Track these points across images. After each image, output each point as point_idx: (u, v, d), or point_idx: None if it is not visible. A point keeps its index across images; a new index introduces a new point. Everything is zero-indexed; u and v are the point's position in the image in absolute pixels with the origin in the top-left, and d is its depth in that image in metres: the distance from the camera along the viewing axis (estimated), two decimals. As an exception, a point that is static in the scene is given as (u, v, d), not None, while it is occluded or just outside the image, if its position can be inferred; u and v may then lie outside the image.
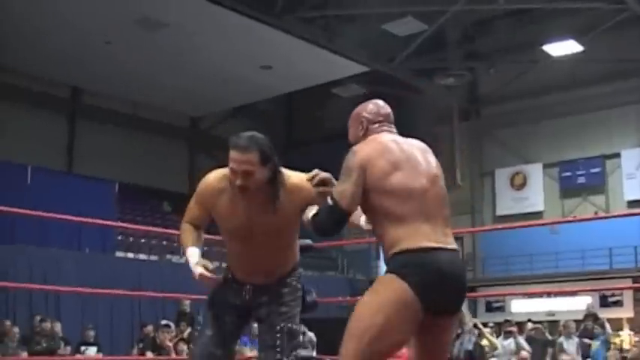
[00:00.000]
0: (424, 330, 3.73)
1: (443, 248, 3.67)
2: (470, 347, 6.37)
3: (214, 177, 4.27)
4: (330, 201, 3.83)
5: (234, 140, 4.05)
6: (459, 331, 6.50)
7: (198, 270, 4.05)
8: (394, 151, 3.85)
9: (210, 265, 4.09)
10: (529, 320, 17.92)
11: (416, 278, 3.58)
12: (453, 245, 3.77)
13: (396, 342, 3.66)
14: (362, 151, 3.86)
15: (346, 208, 3.78)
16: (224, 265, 4.57)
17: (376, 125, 4.05)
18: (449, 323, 3.78)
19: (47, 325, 13.19)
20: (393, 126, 4.12)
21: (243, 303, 4.33)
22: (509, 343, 12.37)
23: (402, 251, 3.65)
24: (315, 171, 4.11)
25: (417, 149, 3.97)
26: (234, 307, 4.34)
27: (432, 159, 3.98)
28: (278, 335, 4.16)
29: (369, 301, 3.69)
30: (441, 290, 3.62)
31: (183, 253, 4.28)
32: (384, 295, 3.63)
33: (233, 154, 4.01)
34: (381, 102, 4.22)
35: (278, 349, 4.13)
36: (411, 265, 3.61)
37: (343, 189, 3.79)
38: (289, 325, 4.24)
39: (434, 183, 3.83)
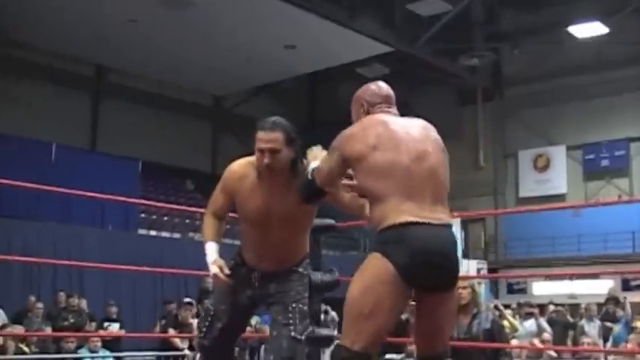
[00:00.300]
0: (419, 304, 3.80)
1: (427, 223, 3.62)
2: (488, 326, 6.36)
3: (238, 163, 4.51)
4: (309, 176, 4.09)
5: (261, 123, 4.35)
6: (475, 311, 6.51)
7: (213, 269, 4.30)
8: (376, 131, 3.83)
9: (226, 269, 4.31)
10: (550, 303, 17.89)
11: (397, 255, 3.58)
12: (443, 221, 3.70)
13: (389, 318, 3.66)
14: (345, 133, 3.95)
15: (320, 184, 4.04)
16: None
17: (376, 107, 4.05)
18: (442, 299, 3.74)
19: (74, 300, 13.27)
20: (393, 107, 4.09)
21: (252, 290, 4.46)
22: (531, 324, 12.38)
23: (383, 229, 3.65)
24: None
25: (409, 127, 3.92)
26: (243, 294, 4.46)
27: (429, 135, 3.93)
28: (290, 315, 4.26)
29: (357, 280, 3.71)
30: (423, 266, 3.59)
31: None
32: (369, 273, 3.66)
33: (260, 134, 4.29)
34: (382, 83, 4.19)
35: (291, 327, 4.23)
36: (392, 242, 3.61)
37: (321, 167, 4.05)
38: (300, 305, 4.33)
39: (421, 159, 3.76)
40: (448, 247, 3.71)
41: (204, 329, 4.43)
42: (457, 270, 3.78)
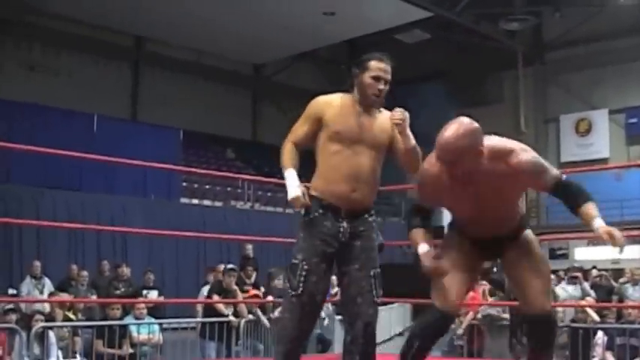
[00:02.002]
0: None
1: None
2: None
3: (323, 96, 4.70)
4: None
5: (378, 54, 4.63)
6: None
7: (296, 192, 4.38)
8: None
9: (306, 197, 4.43)
10: (594, 267, 17.81)
11: None
12: None
13: None
14: None
15: None
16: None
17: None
18: None
19: (123, 270, 13.40)
20: None
21: (339, 245, 4.46)
22: (575, 289, 12.33)
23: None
24: (397, 110, 4.39)
25: None
26: (331, 247, 4.44)
27: None
28: (372, 281, 4.43)
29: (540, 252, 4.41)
30: None
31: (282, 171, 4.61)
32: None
33: (379, 64, 4.58)
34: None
35: (374, 292, 4.41)
36: None
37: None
38: (378, 270, 4.50)
39: None
40: None
41: (300, 284, 4.31)
42: None
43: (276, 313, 3.92)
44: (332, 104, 4.58)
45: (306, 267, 4.31)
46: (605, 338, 9.90)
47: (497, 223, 4.23)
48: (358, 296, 4.37)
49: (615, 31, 27.25)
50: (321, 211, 4.41)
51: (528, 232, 4.32)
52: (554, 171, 4.10)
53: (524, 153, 4.00)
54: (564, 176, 4.10)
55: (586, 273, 15.27)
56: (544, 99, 29.87)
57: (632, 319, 9.99)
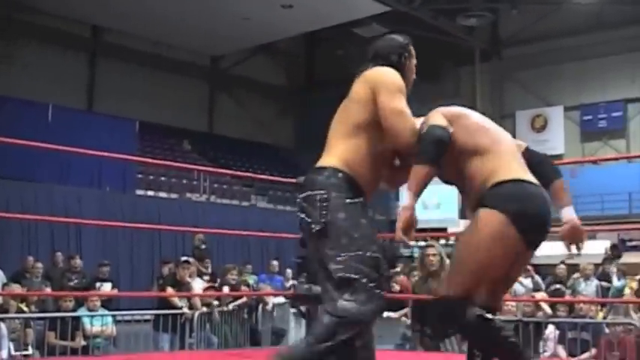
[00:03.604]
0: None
1: (535, 183, 3.79)
2: None
3: None
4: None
5: (407, 37, 4.22)
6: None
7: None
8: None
9: None
10: (562, 262, 17.92)
11: (517, 210, 3.62)
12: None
13: (504, 271, 3.75)
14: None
15: None
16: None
17: None
18: (531, 255, 3.85)
19: (76, 262, 13.28)
20: None
21: None
22: (528, 282, 12.42)
23: (497, 183, 3.68)
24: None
25: None
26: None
27: None
28: None
29: (476, 235, 3.69)
30: (539, 222, 3.74)
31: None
32: (490, 229, 3.63)
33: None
34: None
35: None
36: (512, 198, 3.65)
37: None
38: None
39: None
40: (550, 207, 3.78)
41: (377, 279, 3.66)
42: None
43: (344, 303, 3.14)
44: None
45: (380, 264, 3.73)
46: (557, 332, 10.00)
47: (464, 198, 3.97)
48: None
49: (571, 28, 27.50)
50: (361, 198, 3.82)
51: (481, 211, 3.68)
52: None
53: None
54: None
55: (538, 267, 15.35)
56: (500, 95, 30.06)
57: (583, 313, 10.08)
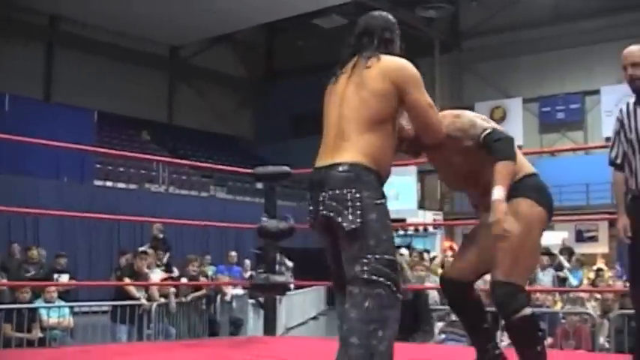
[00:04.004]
0: None
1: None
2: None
3: None
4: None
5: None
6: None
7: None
8: None
9: None
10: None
11: (545, 199, 4.08)
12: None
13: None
14: None
15: None
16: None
17: None
18: None
19: (34, 253, 13.16)
20: None
21: None
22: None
23: (525, 177, 4.06)
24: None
25: None
26: None
27: None
28: None
29: (519, 223, 3.89)
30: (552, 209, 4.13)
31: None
32: (530, 218, 3.96)
33: None
34: None
35: None
36: (537, 189, 4.09)
37: None
38: None
39: None
40: None
41: (397, 282, 3.60)
42: None
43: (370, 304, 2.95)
44: None
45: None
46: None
47: None
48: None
49: (530, 21, 27.70)
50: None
51: (520, 201, 3.98)
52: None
53: None
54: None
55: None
56: (460, 86, 30.21)
57: (540, 303, 10.18)
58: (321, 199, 3.61)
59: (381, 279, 3.49)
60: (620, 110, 4.58)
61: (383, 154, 3.68)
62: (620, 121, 4.53)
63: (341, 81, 3.80)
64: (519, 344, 3.89)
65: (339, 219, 3.53)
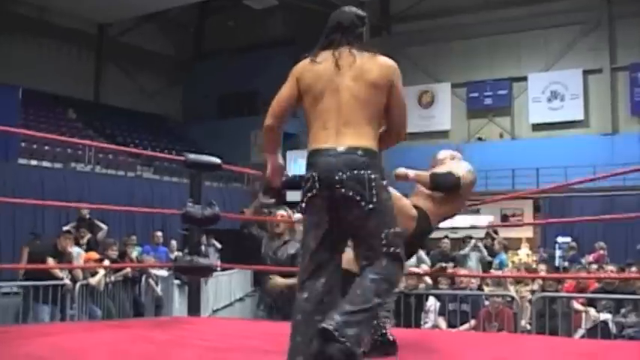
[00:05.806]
0: None
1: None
2: (292, 252, 6.72)
3: None
4: None
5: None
6: (287, 239, 6.85)
7: None
8: None
9: None
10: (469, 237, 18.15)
11: None
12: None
13: None
14: None
15: None
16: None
17: None
18: None
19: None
20: None
21: None
22: (412, 259, 12.58)
23: None
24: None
25: None
26: None
27: None
28: None
29: None
30: None
31: None
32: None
33: None
34: None
35: None
36: None
37: None
38: None
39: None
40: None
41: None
42: None
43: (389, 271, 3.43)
44: None
45: None
46: (438, 304, 10.20)
47: None
48: None
49: (460, 7, 27.92)
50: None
51: None
52: None
53: None
54: None
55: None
56: (388, 70, 30.32)
57: (463, 285, 10.30)
58: (337, 178, 3.90)
59: (398, 250, 3.94)
60: None
61: (377, 141, 4.09)
62: None
63: (327, 68, 4.20)
64: None
65: (358, 197, 3.88)
